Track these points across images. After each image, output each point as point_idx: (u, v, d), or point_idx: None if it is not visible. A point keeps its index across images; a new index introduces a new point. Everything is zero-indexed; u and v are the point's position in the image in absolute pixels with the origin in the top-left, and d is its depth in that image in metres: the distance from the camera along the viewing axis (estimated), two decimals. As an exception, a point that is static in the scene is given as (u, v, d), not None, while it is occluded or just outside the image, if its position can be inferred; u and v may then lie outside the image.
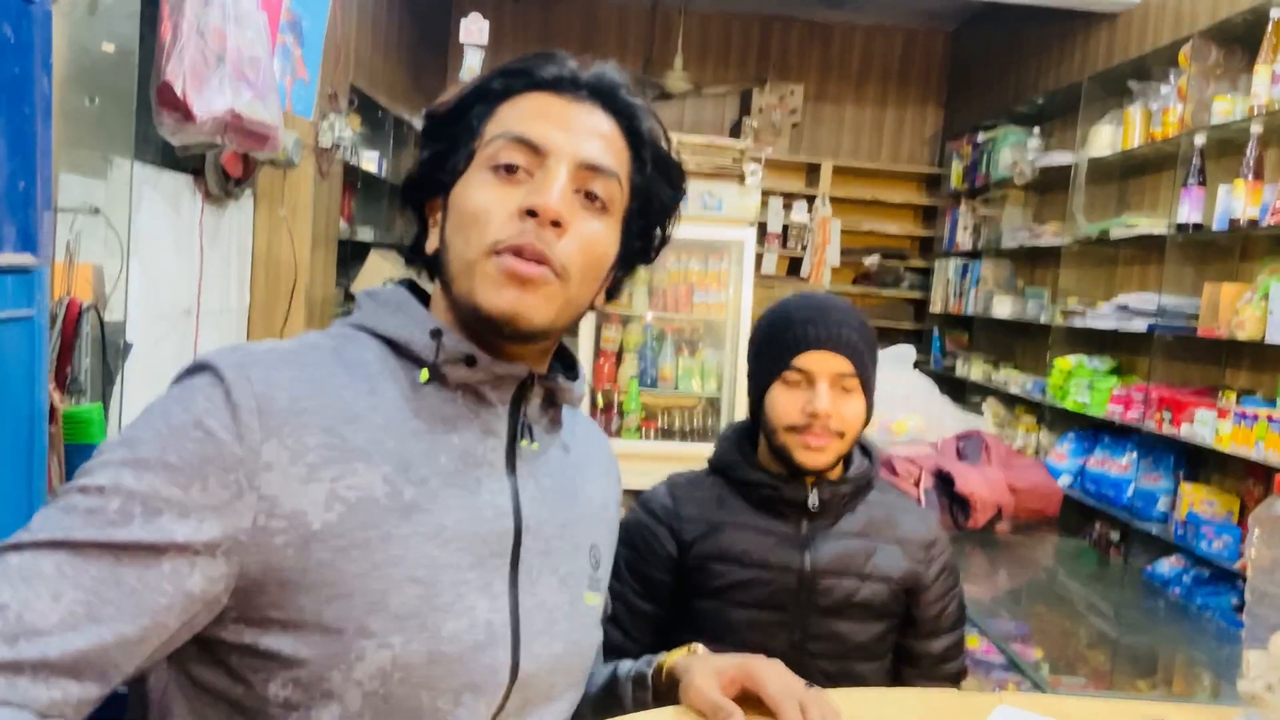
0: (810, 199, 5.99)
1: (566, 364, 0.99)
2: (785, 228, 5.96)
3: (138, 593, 0.71)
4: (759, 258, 5.60)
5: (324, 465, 0.77)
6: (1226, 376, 3.40)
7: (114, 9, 1.87)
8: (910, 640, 1.46)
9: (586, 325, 3.61)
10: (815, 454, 1.39)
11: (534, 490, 0.89)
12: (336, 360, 0.83)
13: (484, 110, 0.88)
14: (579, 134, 0.87)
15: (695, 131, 6.04)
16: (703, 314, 3.78)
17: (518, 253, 0.82)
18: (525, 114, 0.87)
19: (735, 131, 6.27)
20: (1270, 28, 2.97)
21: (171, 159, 2.29)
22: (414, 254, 0.94)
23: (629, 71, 0.94)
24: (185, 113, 1.98)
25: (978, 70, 6.00)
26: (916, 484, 3.09)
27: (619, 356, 3.79)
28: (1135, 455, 3.65)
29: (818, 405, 1.37)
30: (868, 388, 1.42)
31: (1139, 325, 3.61)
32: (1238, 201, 3.06)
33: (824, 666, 1.38)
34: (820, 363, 1.38)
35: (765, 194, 5.46)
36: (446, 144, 0.89)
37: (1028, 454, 4.23)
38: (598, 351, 3.71)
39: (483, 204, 0.84)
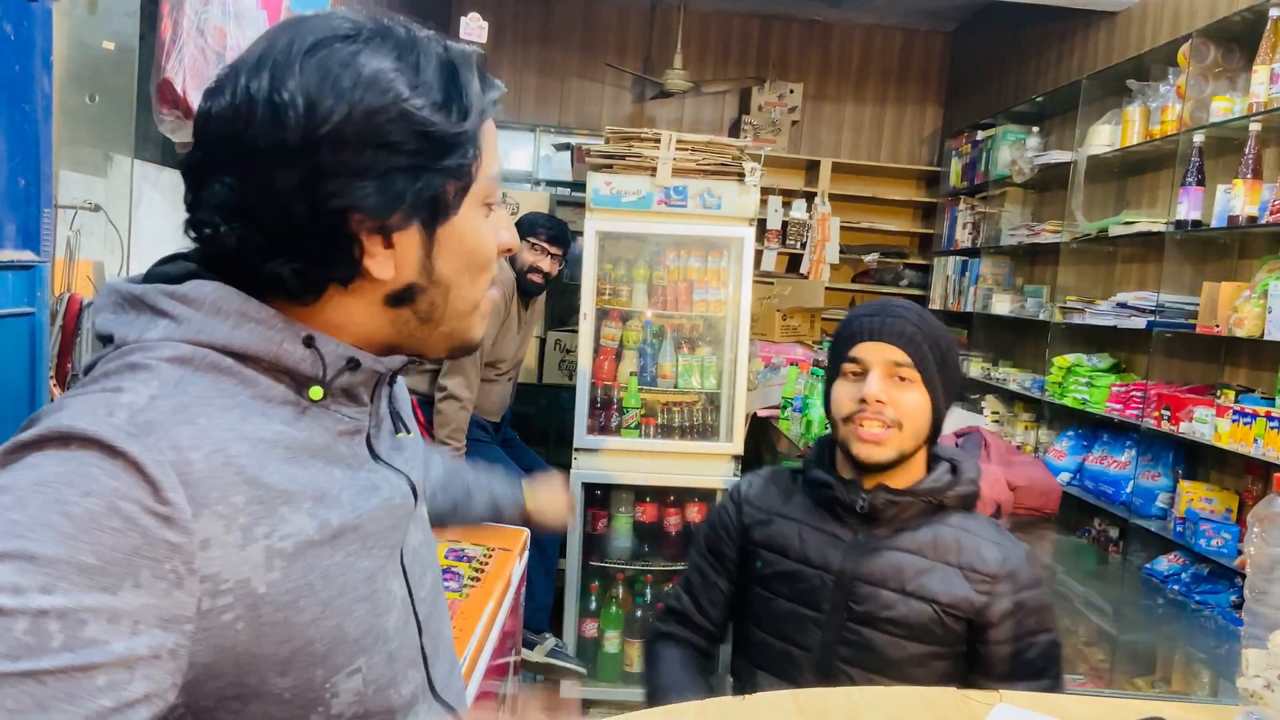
0: (809, 197, 5.99)
1: None
2: (784, 225, 5.96)
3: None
4: (758, 255, 5.60)
5: (255, 523, 0.69)
6: (1225, 374, 3.41)
7: (114, 7, 1.87)
8: (978, 679, 1.39)
9: (586, 323, 3.61)
10: (870, 446, 1.40)
11: (399, 461, 0.87)
12: (215, 393, 0.71)
13: (473, 139, 0.79)
14: None
15: (694, 130, 6.04)
16: (702, 311, 3.78)
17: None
18: (494, 145, 0.83)
19: (735, 130, 6.27)
20: (1269, 27, 2.97)
21: (172, 156, 2.29)
22: (324, 270, 0.76)
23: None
24: (186, 110, 1.98)
25: (977, 69, 6.00)
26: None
27: (618, 353, 3.80)
28: (1134, 452, 3.66)
29: (867, 390, 1.39)
30: (930, 383, 1.42)
31: (1138, 323, 3.62)
32: (1236, 199, 3.06)
33: (853, 675, 1.37)
34: (874, 352, 1.41)
35: (764, 192, 5.46)
36: (432, 167, 0.76)
37: (1027, 451, 4.24)
38: (597, 348, 3.71)
39: (491, 247, 0.83)
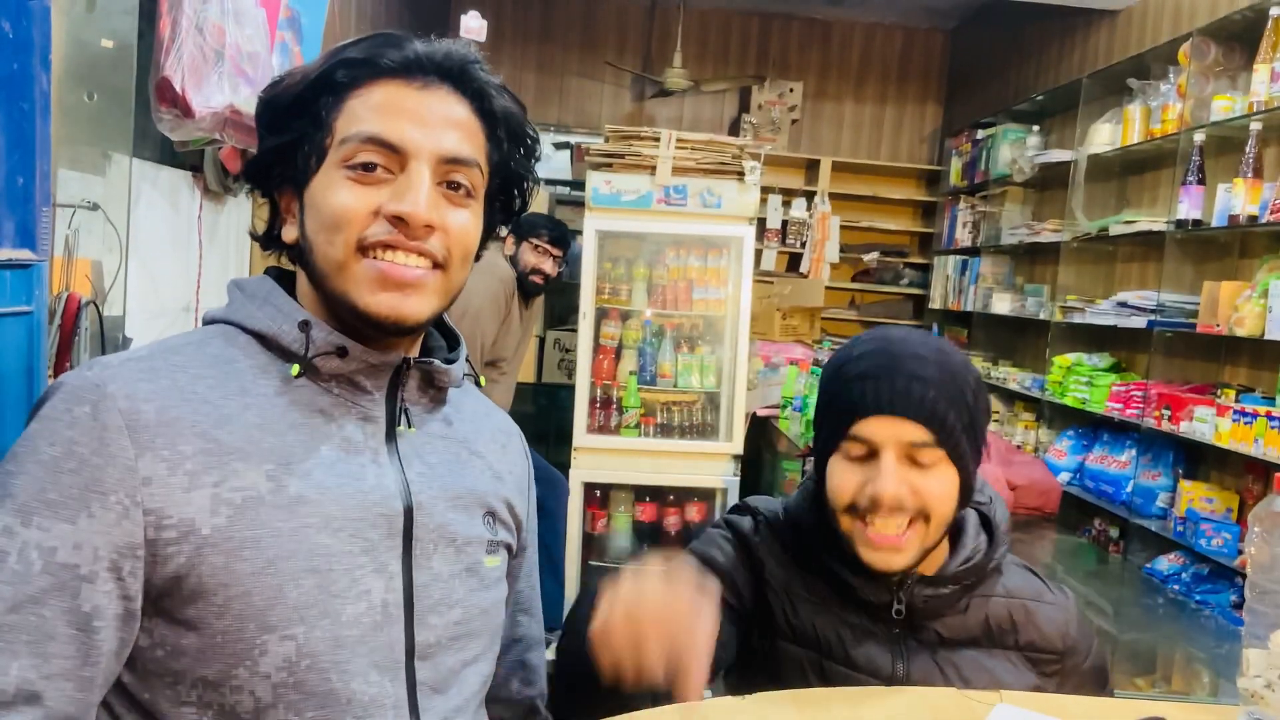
0: (809, 195, 5.99)
1: (448, 337, 1.01)
2: (784, 224, 5.95)
3: (75, 638, 0.74)
4: (758, 254, 5.60)
5: (204, 471, 0.78)
6: (1226, 373, 3.40)
7: (113, 5, 1.87)
8: None
9: (585, 322, 3.61)
10: (885, 554, 1.08)
11: (421, 468, 0.90)
12: (201, 361, 0.83)
13: (331, 102, 0.85)
14: (435, 126, 0.85)
15: (694, 129, 6.03)
16: (702, 310, 3.78)
17: (389, 248, 0.83)
18: (378, 108, 0.84)
19: (734, 129, 6.26)
20: (1269, 25, 2.96)
21: (170, 155, 2.29)
22: (269, 240, 0.93)
23: (475, 50, 0.93)
24: (184, 109, 1.97)
25: (977, 67, 6.00)
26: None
27: (618, 353, 3.79)
28: (1134, 452, 3.65)
29: (880, 487, 1.06)
30: (960, 460, 1.09)
31: (1138, 322, 3.61)
32: (1237, 199, 3.06)
33: None
34: (885, 430, 1.07)
35: (764, 191, 5.45)
36: (291, 135, 0.87)
37: (1027, 451, 4.23)
38: (596, 347, 3.71)
39: (343, 205, 0.83)
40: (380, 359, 0.87)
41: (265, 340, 0.86)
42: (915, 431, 1.06)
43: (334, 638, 0.81)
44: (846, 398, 1.10)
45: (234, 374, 0.83)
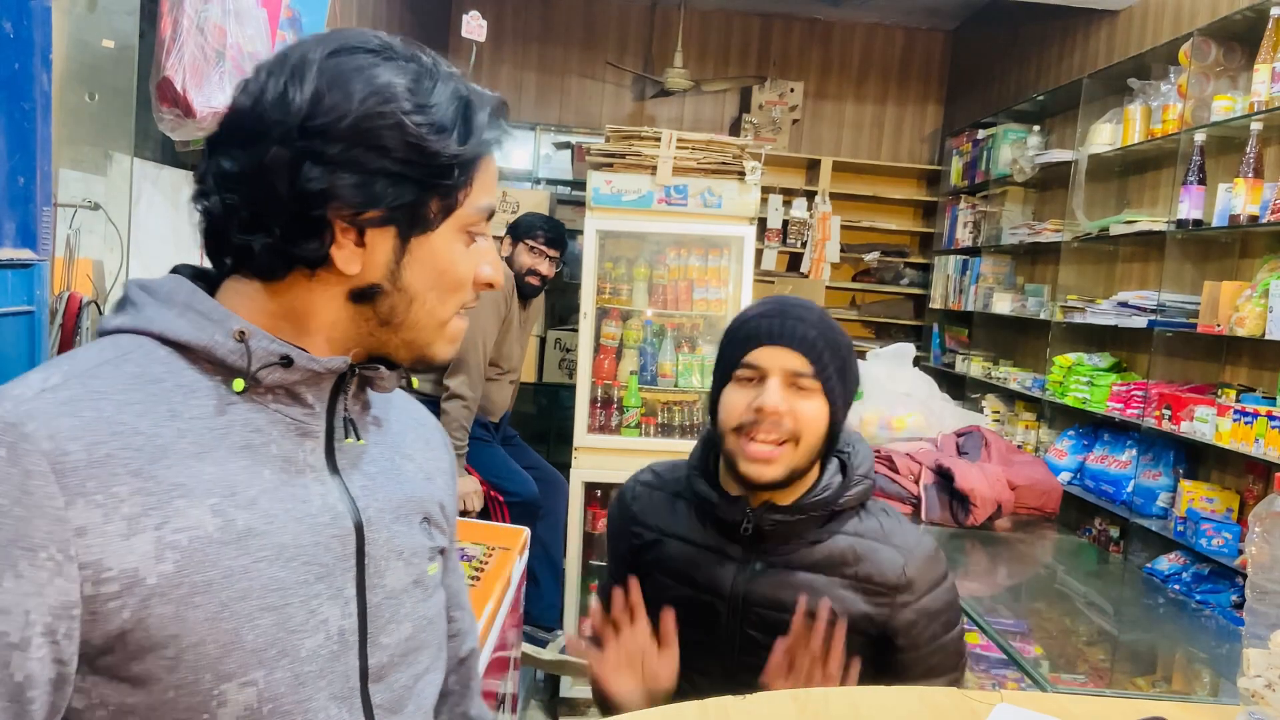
0: (810, 195, 5.99)
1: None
2: (785, 224, 5.95)
3: (6, 709, 0.67)
4: (759, 254, 5.60)
5: (143, 513, 0.70)
6: (1226, 373, 3.40)
7: (114, 5, 1.87)
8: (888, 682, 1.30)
9: (586, 322, 3.61)
10: (760, 465, 1.28)
11: (362, 480, 0.87)
12: (122, 384, 0.74)
13: (466, 166, 0.83)
14: None
15: (695, 128, 6.04)
16: (702, 310, 3.78)
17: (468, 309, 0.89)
18: (490, 181, 0.87)
19: (735, 128, 6.26)
20: (1270, 25, 2.96)
21: (171, 155, 2.29)
22: (279, 253, 0.79)
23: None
24: (185, 108, 1.97)
25: (978, 67, 6.00)
26: (916, 481, 3.09)
27: (618, 353, 3.80)
28: (1135, 452, 3.65)
29: (764, 400, 1.27)
30: (831, 394, 1.30)
31: (1139, 322, 3.61)
32: (1238, 199, 3.06)
33: None
34: (772, 358, 1.29)
35: (765, 191, 5.45)
36: (417, 180, 0.80)
37: (1027, 450, 4.23)
38: (597, 347, 3.71)
39: (465, 273, 0.86)
40: (326, 366, 0.82)
41: (190, 353, 0.78)
42: (797, 361, 1.28)
43: (295, 676, 0.77)
44: (743, 334, 1.32)
45: (161, 396, 0.75)
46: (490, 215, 0.87)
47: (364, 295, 0.82)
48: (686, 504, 1.41)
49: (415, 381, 0.99)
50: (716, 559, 1.34)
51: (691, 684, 1.32)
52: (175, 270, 0.84)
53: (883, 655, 1.33)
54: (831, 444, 1.34)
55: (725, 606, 1.33)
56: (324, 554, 0.80)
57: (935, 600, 1.34)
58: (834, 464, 1.37)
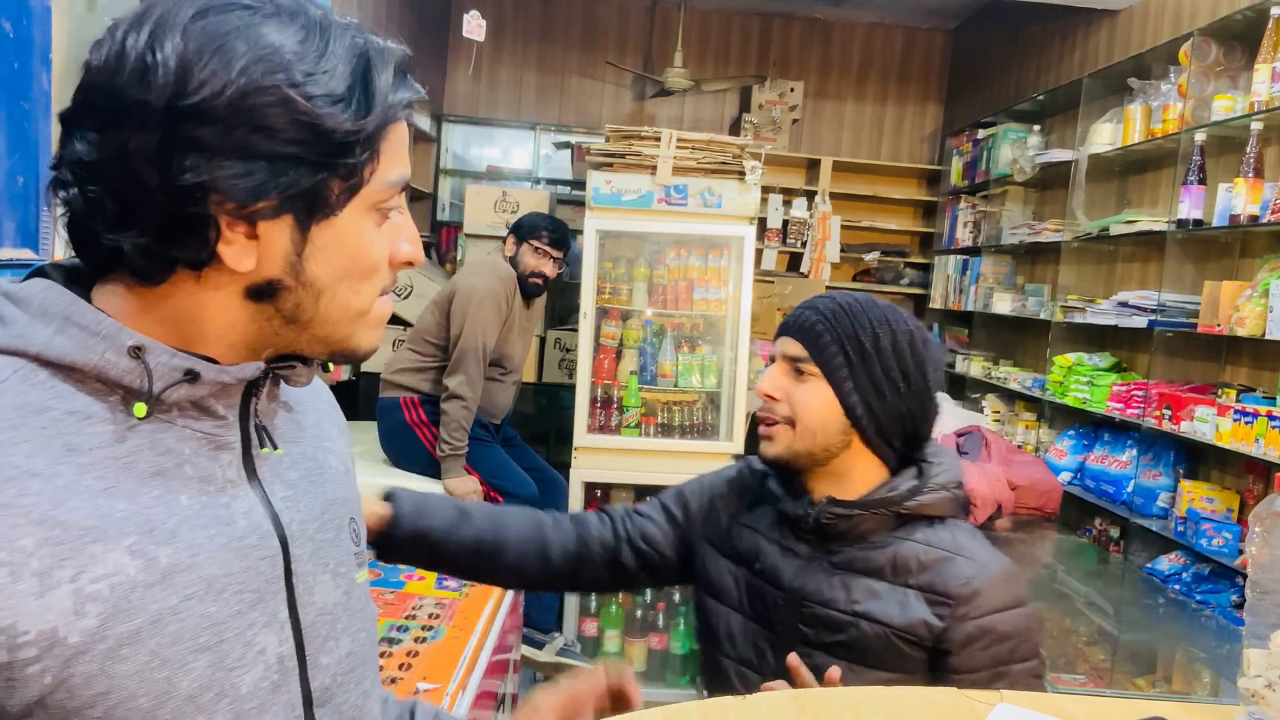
0: (810, 195, 5.99)
1: None
2: (785, 224, 5.95)
3: None
4: (759, 254, 5.60)
5: (55, 566, 0.62)
6: (1226, 373, 3.40)
7: (113, 5, 1.87)
8: None
9: (586, 321, 3.61)
10: (764, 443, 1.36)
11: (283, 490, 0.79)
12: (7, 419, 0.64)
13: (370, 140, 0.72)
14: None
15: (695, 128, 6.03)
16: (702, 310, 3.78)
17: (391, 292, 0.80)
18: (400, 149, 0.76)
19: (735, 128, 6.26)
20: (1270, 25, 2.96)
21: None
22: (156, 256, 0.69)
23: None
24: (185, 108, 1.98)
25: (978, 67, 6.00)
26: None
27: (618, 352, 3.80)
28: (1135, 452, 3.65)
29: (759, 382, 1.37)
30: (835, 379, 1.31)
31: (1139, 322, 3.61)
32: (1238, 198, 3.05)
33: None
34: (781, 347, 1.37)
35: (765, 190, 5.45)
36: (313, 162, 0.69)
37: (1028, 450, 4.23)
38: (597, 347, 3.71)
39: (378, 255, 0.76)
40: (236, 375, 0.73)
41: (77, 374, 0.67)
42: (794, 348, 1.34)
43: (235, 717, 0.70)
44: (778, 329, 1.40)
45: (51, 427, 0.65)
46: (403, 188, 0.77)
47: (263, 293, 0.72)
48: (767, 503, 1.43)
49: (331, 367, 0.85)
50: (781, 551, 1.36)
51: (746, 681, 1.34)
52: (40, 272, 0.72)
53: (936, 677, 1.25)
54: (852, 429, 1.32)
55: (783, 599, 1.33)
56: (255, 579, 0.73)
57: (1004, 622, 1.25)
58: (911, 469, 1.34)
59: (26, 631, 0.61)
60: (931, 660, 1.25)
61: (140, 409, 0.68)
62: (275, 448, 0.78)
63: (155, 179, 0.65)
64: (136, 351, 0.68)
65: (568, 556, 1.47)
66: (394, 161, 0.74)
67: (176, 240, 0.68)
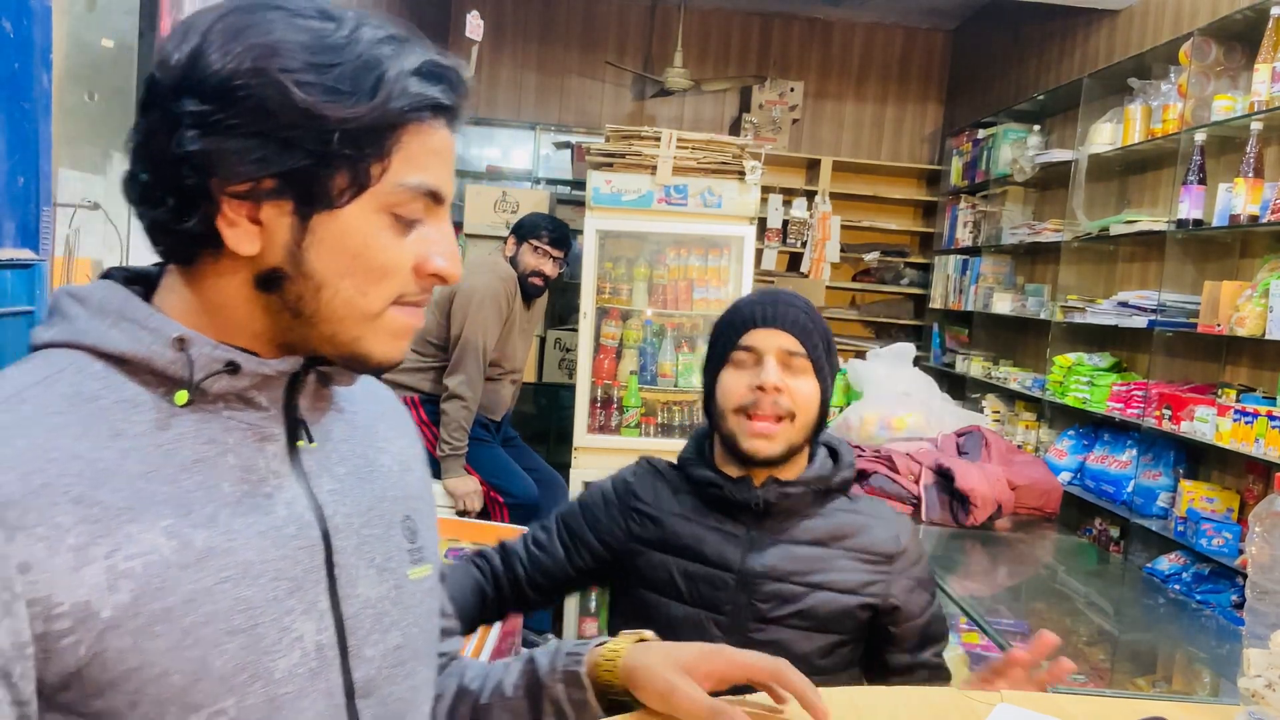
0: (810, 195, 5.99)
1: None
2: (785, 224, 5.95)
3: None
4: (759, 254, 5.60)
5: (91, 543, 0.65)
6: (1226, 373, 3.40)
7: (114, 5, 1.87)
8: (889, 657, 1.43)
9: (586, 321, 3.61)
10: (762, 441, 1.37)
11: (330, 483, 0.80)
12: (55, 405, 0.69)
13: (389, 133, 0.73)
14: (453, 173, 0.80)
15: (695, 128, 6.03)
16: (702, 310, 3.78)
17: (414, 303, 0.78)
18: (432, 154, 0.76)
19: (735, 128, 6.27)
20: (1270, 25, 2.96)
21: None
22: (171, 230, 0.73)
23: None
24: (185, 108, 1.98)
25: (978, 67, 6.00)
26: (916, 481, 3.09)
27: (618, 352, 3.80)
28: (1135, 452, 3.65)
29: (764, 378, 1.37)
30: (820, 373, 1.41)
31: (1139, 322, 3.61)
32: (1238, 198, 3.05)
33: None
34: (767, 339, 1.39)
35: (765, 190, 5.45)
36: (308, 148, 0.71)
37: (1027, 450, 4.23)
38: (597, 347, 3.71)
39: (391, 260, 0.75)
40: (276, 368, 0.75)
41: (129, 365, 0.72)
42: (789, 341, 1.38)
43: (270, 700, 0.72)
44: (739, 319, 1.42)
45: (100, 414, 0.70)
46: (434, 198, 0.76)
47: (269, 281, 0.74)
48: (686, 493, 1.48)
49: None
50: (721, 536, 1.41)
51: None
52: (107, 275, 0.77)
53: (880, 635, 1.41)
54: (821, 424, 1.44)
55: (734, 580, 1.38)
56: (292, 567, 0.75)
57: (921, 570, 1.46)
58: (823, 450, 1.48)
59: (61, 603, 0.64)
60: (874, 615, 1.39)
61: (181, 396, 0.72)
62: (311, 441, 0.80)
63: (161, 152, 0.71)
64: (180, 343, 0.72)
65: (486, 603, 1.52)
66: (411, 165, 0.74)
67: (182, 213, 0.71)
